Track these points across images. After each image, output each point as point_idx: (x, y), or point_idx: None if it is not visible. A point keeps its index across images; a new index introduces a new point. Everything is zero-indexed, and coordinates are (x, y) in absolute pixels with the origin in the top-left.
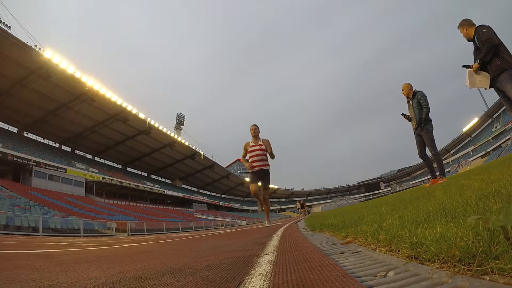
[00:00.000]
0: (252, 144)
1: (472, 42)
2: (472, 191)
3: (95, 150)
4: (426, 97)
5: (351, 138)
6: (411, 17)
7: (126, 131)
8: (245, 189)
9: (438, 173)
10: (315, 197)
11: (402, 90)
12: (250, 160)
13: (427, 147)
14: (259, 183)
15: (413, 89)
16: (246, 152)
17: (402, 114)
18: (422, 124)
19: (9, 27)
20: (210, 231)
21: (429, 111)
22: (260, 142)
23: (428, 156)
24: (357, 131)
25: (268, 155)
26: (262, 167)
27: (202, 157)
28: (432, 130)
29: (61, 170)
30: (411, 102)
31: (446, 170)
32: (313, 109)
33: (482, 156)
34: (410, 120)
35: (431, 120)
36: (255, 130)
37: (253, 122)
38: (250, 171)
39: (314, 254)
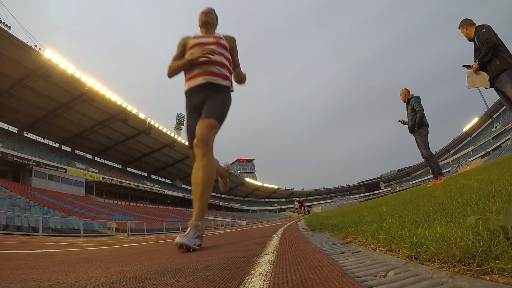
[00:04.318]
0: (202, 35)
1: (473, 42)
2: (472, 191)
3: (95, 150)
4: (420, 102)
5: (351, 138)
6: (412, 17)
7: (126, 131)
8: (245, 189)
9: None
10: (315, 197)
11: (400, 96)
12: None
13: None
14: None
15: (410, 94)
16: (183, 48)
17: (400, 121)
18: (416, 128)
19: (9, 27)
20: (210, 231)
21: (422, 115)
22: (220, 35)
23: None
24: (357, 131)
25: (230, 65)
26: (211, 79)
27: None
28: (427, 134)
29: (61, 170)
30: (407, 107)
31: (446, 170)
32: (313, 110)
33: (482, 156)
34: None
35: (427, 125)
36: (208, 14)
37: (254, 122)
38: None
39: (314, 254)
